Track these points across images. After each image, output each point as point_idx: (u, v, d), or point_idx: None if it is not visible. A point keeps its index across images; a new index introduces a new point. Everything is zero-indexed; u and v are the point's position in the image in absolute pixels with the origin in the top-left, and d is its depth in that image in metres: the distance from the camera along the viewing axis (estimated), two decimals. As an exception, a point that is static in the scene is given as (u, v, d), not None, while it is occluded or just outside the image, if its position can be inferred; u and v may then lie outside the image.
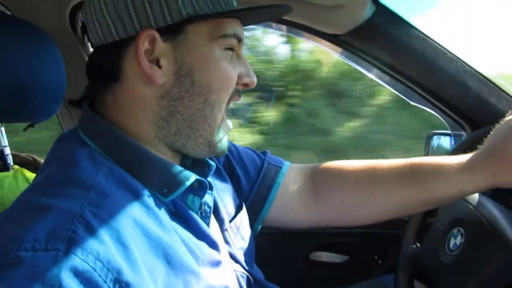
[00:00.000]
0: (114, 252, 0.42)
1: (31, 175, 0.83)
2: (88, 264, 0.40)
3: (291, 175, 0.83)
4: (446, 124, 1.23)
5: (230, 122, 0.64)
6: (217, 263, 0.57)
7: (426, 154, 1.25)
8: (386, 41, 1.02)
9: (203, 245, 0.56)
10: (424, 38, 1.02)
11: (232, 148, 0.83)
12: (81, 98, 0.64)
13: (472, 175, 0.66)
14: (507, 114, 0.72)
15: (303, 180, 0.83)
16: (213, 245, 0.59)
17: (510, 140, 0.64)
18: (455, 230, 0.80)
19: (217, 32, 0.56)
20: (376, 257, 1.28)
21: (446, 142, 1.22)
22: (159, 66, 0.55)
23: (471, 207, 0.79)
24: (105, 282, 0.40)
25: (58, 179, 0.49)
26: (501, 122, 0.70)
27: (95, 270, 0.40)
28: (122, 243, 0.44)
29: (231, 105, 0.62)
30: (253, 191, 0.80)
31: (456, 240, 0.78)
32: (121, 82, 0.57)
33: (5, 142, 0.83)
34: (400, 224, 1.01)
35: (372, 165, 0.78)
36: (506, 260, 0.66)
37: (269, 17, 0.69)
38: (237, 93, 0.61)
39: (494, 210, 0.76)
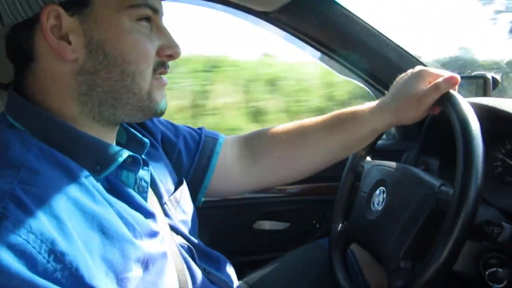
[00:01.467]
0: (47, 225, 0.43)
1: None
2: (20, 236, 0.41)
3: (228, 144, 0.89)
4: (372, 94, 1.34)
5: (164, 79, 0.63)
6: (154, 234, 0.59)
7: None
8: (314, 18, 1.08)
9: (139, 217, 0.58)
10: (348, 15, 1.10)
11: (169, 125, 0.85)
12: (10, 82, 0.62)
13: (380, 115, 0.80)
14: None
15: (239, 148, 0.89)
16: (150, 215, 0.60)
17: (409, 84, 0.77)
18: (377, 191, 0.87)
19: (126, 2, 0.56)
20: (314, 221, 1.37)
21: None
22: (69, 42, 0.54)
23: (391, 169, 0.87)
24: (39, 253, 0.41)
25: None
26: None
27: (28, 242, 0.41)
28: (55, 216, 0.45)
29: (160, 76, 0.62)
30: (194, 163, 0.84)
31: (379, 198, 0.85)
32: (36, 62, 0.56)
33: None
34: (334, 190, 1.09)
35: (300, 123, 0.89)
36: (424, 194, 0.73)
37: None
38: (162, 65, 0.61)
39: (410, 166, 0.86)
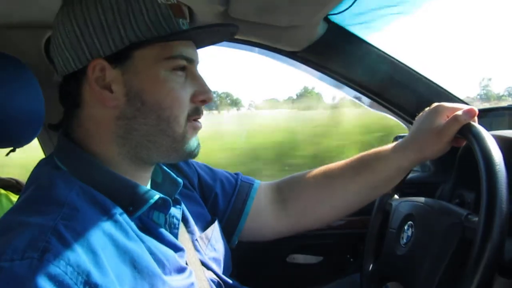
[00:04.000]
0: (83, 258, 0.48)
1: (14, 197, 0.89)
2: (59, 268, 0.45)
3: (262, 190, 0.92)
4: (404, 126, 1.34)
5: (199, 123, 0.67)
6: (183, 269, 0.63)
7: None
8: (339, 55, 1.12)
9: (169, 252, 0.62)
10: (373, 50, 1.13)
11: (207, 169, 0.90)
12: (58, 123, 0.69)
13: (403, 152, 0.82)
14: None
15: (272, 193, 0.93)
16: (179, 250, 0.64)
17: (428, 120, 0.79)
18: (405, 226, 0.86)
19: (162, 54, 0.61)
20: (348, 256, 1.35)
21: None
22: (111, 91, 0.61)
23: (419, 203, 0.86)
24: (76, 284, 0.45)
25: (34, 200, 0.56)
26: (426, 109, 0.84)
27: (66, 274, 0.45)
28: (91, 250, 0.49)
29: (195, 122, 0.66)
30: (230, 206, 0.88)
31: (407, 233, 0.85)
32: (82, 108, 0.63)
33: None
34: (367, 224, 1.08)
35: (327, 166, 0.91)
36: (451, 223, 0.72)
37: (219, 37, 0.73)
38: (196, 110, 0.65)
39: (439, 201, 0.85)
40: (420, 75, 1.17)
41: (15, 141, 0.85)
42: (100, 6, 0.59)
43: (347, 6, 1.03)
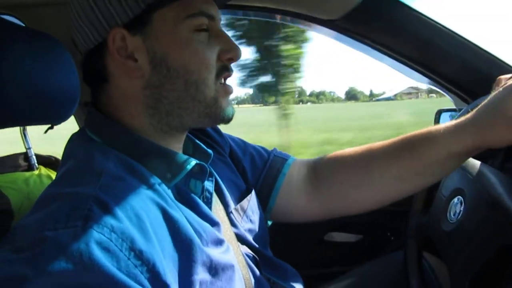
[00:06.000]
0: (127, 224, 0.47)
1: (53, 173, 0.91)
2: (104, 235, 0.45)
3: (295, 166, 0.86)
4: (452, 100, 1.25)
5: (230, 87, 0.65)
6: (220, 242, 0.61)
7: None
8: (380, 23, 1.05)
9: (206, 225, 0.60)
10: (418, 17, 1.04)
11: (239, 141, 0.88)
12: (89, 101, 0.69)
13: (459, 136, 0.67)
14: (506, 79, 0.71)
15: (307, 171, 0.86)
16: (215, 224, 0.63)
17: (499, 100, 0.64)
18: (455, 199, 0.82)
19: (182, 13, 0.58)
20: (388, 234, 1.31)
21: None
22: (135, 60, 0.59)
23: (470, 177, 0.81)
24: (121, 251, 0.45)
25: (73, 172, 0.56)
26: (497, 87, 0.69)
27: (111, 240, 0.45)
28: (134, 216, 0.49)
29: (224, 81, 0.64)
30: (259, 181, 0.84)
31: (456, 209, 0.81)
32: (109, 81, 0.62)
33: (29, 144, 0.90)
34: (410, 201, 1.03)
35: (367, 146, 0.81)
36: (500, 223, 0.68)
37: None
38: (225, 69, 0.63)
39: (492, 178, 0.78)
40: (475, 45, 1.06)
41: (52, 117, 0.86)
42: None
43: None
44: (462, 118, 0.68)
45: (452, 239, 0.78)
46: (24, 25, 1.11)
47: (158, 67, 0.59)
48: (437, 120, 1.27)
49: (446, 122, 0.70)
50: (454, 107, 1.24)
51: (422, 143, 0.72)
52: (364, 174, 0.78)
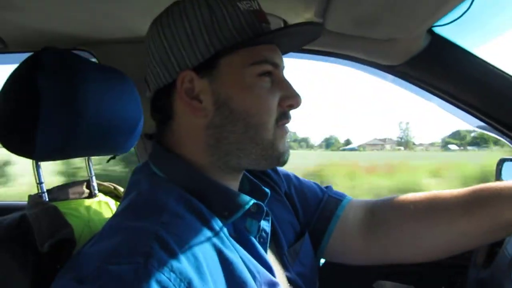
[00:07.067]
0: (186, 265, 0.48)
1: (111, 202, 0.94)
2: (164, 275, 0.46)
3: (351, 208, 0.83)
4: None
5: (287, 128, 0.66)
6: (274, 284, 0.60)
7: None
8: (443, 70, 1.02)
9: (260, 266, 0.60)
10: (482, 65, 1.01)
11: (294, 178, 0.87)
12: (153, 133, 0.72)
13: None
14: None
15: (363, 214, 0.82)
16: (269, 269, 0.62)
17: None
18: None
19: (247, 60, 0.61)
20: (443, 287, 1.22)
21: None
22: (200, 101, 0.62)
23: None
24: None
25: (136, 206, 0.58)
26: None
27: (170, 280, 0.46)
28: (192, 257, 0.50)
29: (283, 127, 0.65)
30: (312, 222, 0.82)
31: None
32: (174, 119, 0.65)
33: (92, 173, 0.94)
34: (468, 255, 0.96)
35: (433, 194, 0.77)
36: None
37: (304, 39, 0.69)
38: (284, 115, 0.64)
39: None
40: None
41: (116, 148, 0.90)
42: (186, 17, 0.61)
43: (455, 18, 0.93)
44: None
45: None
46: (97, 61, 1.19)
47: (221, 108, 0.61)
48: (499, 169, 1.20)
49: None
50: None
51: (494, 203, 0.68)
52: (427, 227, 0.75)
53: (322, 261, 0.93)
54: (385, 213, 0.80)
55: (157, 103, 0.67)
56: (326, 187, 0.88)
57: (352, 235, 0.81)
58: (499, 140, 1.12)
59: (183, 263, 0.48)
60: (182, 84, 0.62)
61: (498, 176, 1.18)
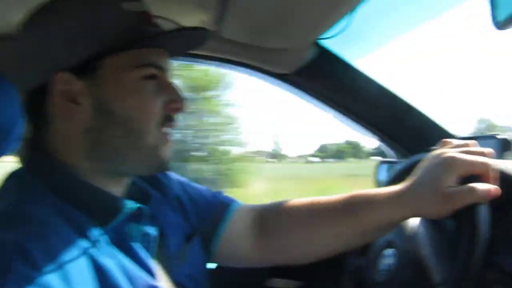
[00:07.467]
0: (52, 277, 0.46)
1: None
2: None
3: (241, 212, 0.85)
4: (391, 152, 1.34)
5: (171, 136, 0.65)
6: None
7: (375, 182, 1.34)
8: (327, 80, 1.13)
9: (140, 271, 0.59)
10: (362, 77, 1.14)
11: (185, 183, 0.86)
12: (30, 137, 0.66)
13: (400, 207, 0.68)
14: (437, 144, 0.74)
15: (253, 218, 0.85)
16: (150, 270, 0.61)
17: (436, 176, 0.65)
18: (389, 251, 0.83)
19: (131, 63, 0.59)
20: (332, 281, 1.32)
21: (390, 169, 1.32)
22: (78, 103, 0.59)
23: (405, 232, 0.82)
24: None
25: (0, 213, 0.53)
26: (431, 154, 0.70)
27: None
28: (61, 267, 0.47)
29: (167, 130, 0.64)
30: (202, 226, 0.82)
31: (389, 260, 0.81)
32: (50, 122, 0.61)
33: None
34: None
35: (312, 200, 0.81)
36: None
37: (190, 44, 0.69)
38: (169, 118, 0.63)
39: (423, 238, 0.79)
40: (412, 106, 1.17)
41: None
42: (62, 14, 0.58)
43: (338, 31, 1.03)
44: (400, 189, 0.69)
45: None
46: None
47: (101, 112, 0.59)
48: (376, 171, 1.35)
49: (388, 188, 0.71)
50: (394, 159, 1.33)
51: (365, 211, 0.72)
52: (308, 231, 0.79)
53: (215, 265, 0.94)
54: (273, 217, 0.84)
55: (31, 104, 0.61)
56: (218, 192, 0.89)
57: (241, 239, 0.83)
58: (358, 153, 1.28)
59: (49, 276, 0.46)
60: (57, 86, 0.58)
61: (375, 176, 1.32)
